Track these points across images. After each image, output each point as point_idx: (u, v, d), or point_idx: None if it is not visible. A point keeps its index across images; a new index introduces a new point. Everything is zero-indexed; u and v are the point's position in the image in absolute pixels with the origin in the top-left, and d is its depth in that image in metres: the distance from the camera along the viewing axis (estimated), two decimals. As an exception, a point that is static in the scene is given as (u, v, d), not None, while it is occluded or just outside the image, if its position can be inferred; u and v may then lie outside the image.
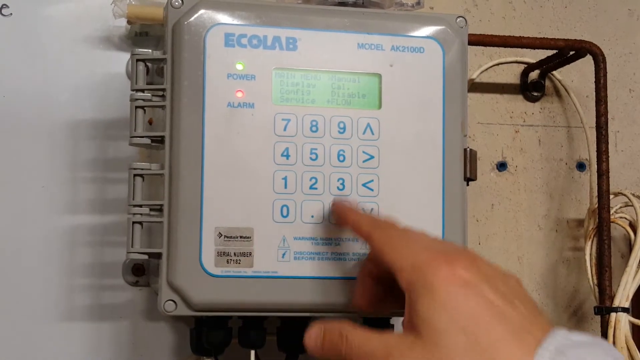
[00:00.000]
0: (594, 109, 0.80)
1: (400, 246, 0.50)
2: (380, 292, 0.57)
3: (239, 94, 0.59)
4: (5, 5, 0.76)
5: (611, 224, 0.79)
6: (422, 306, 0.46)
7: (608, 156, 0.79)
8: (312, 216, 0.60)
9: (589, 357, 0.43)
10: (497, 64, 0.86)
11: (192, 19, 0.59)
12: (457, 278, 0.46)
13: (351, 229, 0.58)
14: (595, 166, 0.79)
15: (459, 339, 0.45)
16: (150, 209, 0.60)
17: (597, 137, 0.79)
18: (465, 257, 0.48)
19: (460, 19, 0.64)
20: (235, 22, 0.60)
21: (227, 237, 0.58)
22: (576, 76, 0.89)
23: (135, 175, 0.61)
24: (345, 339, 0.50)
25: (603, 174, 0.78)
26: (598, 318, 0.78)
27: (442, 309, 0.45)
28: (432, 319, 0.46)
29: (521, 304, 0.47)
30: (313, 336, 0.52)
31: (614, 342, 0.75)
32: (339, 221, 0.60)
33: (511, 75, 0.88)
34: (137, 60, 0.62)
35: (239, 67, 0.60)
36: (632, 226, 0.81)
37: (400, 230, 0.53)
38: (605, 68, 0.80)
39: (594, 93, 0.80)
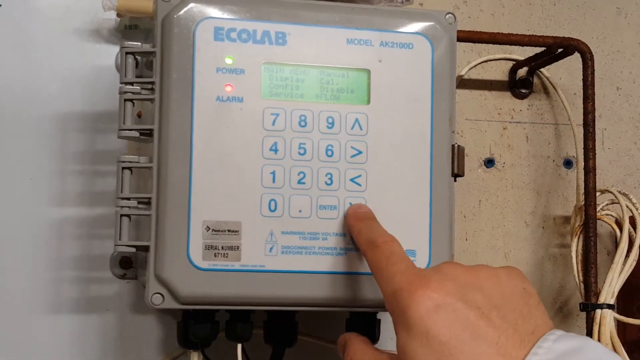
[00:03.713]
0: (582, 106, 0.80)
1: (385, 270, 0.51)
2: None
3: (228, 88, 0.60)
4: (-6, -3, 0.76)
5: (597, 221, 0.79)
6: (400, 337, 0.47)
7: (595, 153, 0.79)
8: (300, 210, 0.60)
9: None
10: (486, 61, 0.86)
11: (182, 12, 0.59)
12: (429, 303, 0.46)
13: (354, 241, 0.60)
14: (582, 163, 0.80)
15: None
16: (139, 202, 0.60)
17: (584, 135, 0.80)
18: (440, 274, 0.48)
19: (450, 15, 0.64)
20: (225, 16, 0.60)
21: (215, 230, 0.58)
22: (564, 74, 0.89)
23: (123, 168, 0.61)
24: (351, 353, 0.54)
25: (590, 171, 0.79)
26: (583, 314, 0.78)
27: (416, 340, 0.45)
28: (407, 349, 0.46)
29: (500, 314, 0.46)
30: (339, 343, 0.58)
31: (599, 339, 0.75)
32: (347, 228, 0.60)
33: (499, 72, 0.88)
34: (127, 53, 0.62)
35: (228, 61, 0.60)
36: (618, 223, 0.81)
37: (389, 252, 0.52)
38: (593, 66, 0.80)
39: (582, 90, 0.80)
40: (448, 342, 0.44)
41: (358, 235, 0.58)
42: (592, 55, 0.80)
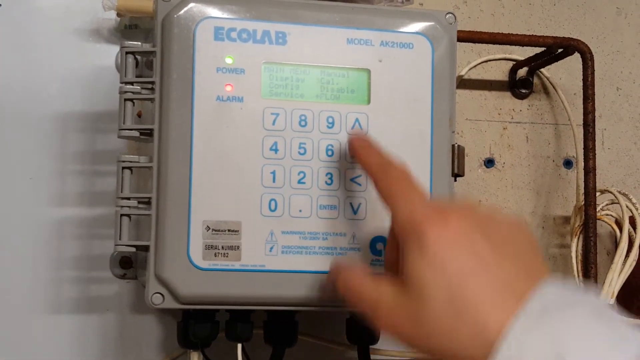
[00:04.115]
0: (582, 106, 0.80)
1: (401, 195, 0.51)
2: None
3: (228, 88, 0.60)
4: (-6, -3, 0.76)
5: (597, 221, 0.79)
6: (412, 260, 0.47)
7: (595, 154, 0.79)
8: (300, 210, 0.60)
9: (573, 314, 0.43)
10: (486, 61, 0.86)
11: (182, 12, 0.59)
12: (448, 232, 0.47)
13: (361, 167, 0.58)
14: (582, 163, 0.80)
15: (443, 296, 0.46)
16: (139, 202, 0.60)
17: (584, 135, 0.80)
18: (461, 209, 0.49)
19: (450, 15, 0.64)
20: (225, 15, 0.60)
21: (215, 230, 0.58)
22: (564, 74, 0.89)
23: (123, 167, 0.61)
24: (342, 278, 0.53)
25: (590, 172, 0.79)
26: (583, 314, 0.78)
27: (430, 268, 0.46)
28: (419, 273, 0.47)
29: (513, 255, 0.47)
30: (332, 268, 0.57)
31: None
32: (352, 155, 0.60)
33: (499, 72, 0.88)
34: (127, 52, 0.62)
35: (229, 61, 0.60)
36: (618, 223, 0.81)
37: (406, 181, 0.53)
38: (593, 66, 0.80)
39: (582, 91, 0.80)
40: (461, 272, 0.46)
41: (367, 160, 0.56)
42: (592, 56, 0.80)
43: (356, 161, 0.59)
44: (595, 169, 0.79)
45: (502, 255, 0.47)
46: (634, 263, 0.78)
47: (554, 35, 0.83)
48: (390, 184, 0.53)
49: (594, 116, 0.80)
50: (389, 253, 0.56)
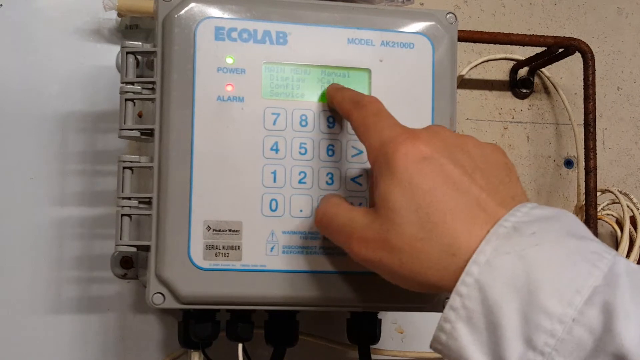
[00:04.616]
0: (582, 106, 0.80)
1: (372, 125, 0.51)
2: None
3: (229, 88, 0.60)
4: (-5, -3, 0.76)
5: (598, 221, 0.79)
6: (382, 184, 0.48)
7: (596, 153, 0.79)
8: (301, 210, 0.60)
9: (544, 233, 0.43)
10: (487, 61, 0.86)
11: (183, 12, 0.59)
12: (416, 153, 0.47)
13: (337, 110, 0.58)
14: (583, 163, 0.80)
15: (412, 217, 0.46)
16: (139, 202, 0.60)
17: (585, 135, 0.80)
18: (430, 132, 0.49)
19: (450, 15, 0.64)
20: (226, 15, 0.60)
21: (216, 230, 0.58)
22: (565, 74, 0.89)
23: (124, 167, 0.61)
24: (323, 208, 0.55)
25: (590, 171, 0.79)
26: (584, 314, 0.78)
27: (398, 187, 0.46)
28: (389, 197, 0.47)
29: (484, 176, 0.47)
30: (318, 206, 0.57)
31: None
32: (329, 104, 0.60)
33: (500, 72, 0.88)
34: (127, 52, 0.62)
35: (229, 60, 0.60)
36: (619, 223, 0.81)
37: (377, 109, 0.53)
38: (593, 66, 0.80)
39: (582, 90, 0.80)
40: (430, 191, 0.46)
41: (341, 99, 0.57)
42: (592, 55, 0.80)
43: (331, 105, 0.59)
44: (596, 169, 0.79)
45: (472, 177, 0.46)
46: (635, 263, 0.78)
47: (555, 35, 0.83)
48: (365, 118, 0.53)
49: (595, 116, 0.80)
50: (369, 194, 0.58)
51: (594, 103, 0.80)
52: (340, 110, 0.57)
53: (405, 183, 0.46)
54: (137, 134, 0.61)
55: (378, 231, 0.48)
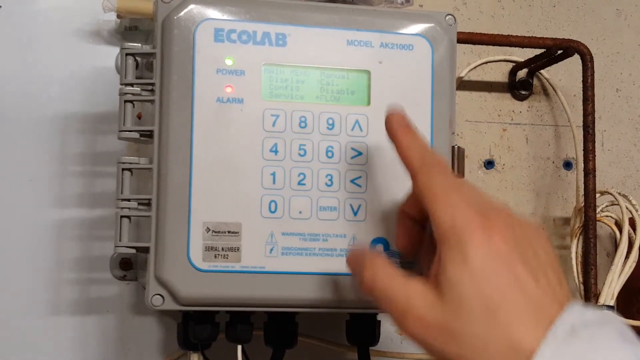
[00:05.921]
0: (581, 108, 0.80)
1: (442, 197, 0.49)
2: (419, 232, 0.57)
3: (228, 89, 0.60)
4: (-5, -1, 0.76)
5: (597, 222, 0.79)
6: (452, 269, 0.46)
7: (595, 155, 0.79)
8: (300, 212, 0.60)
9: (602, 340, 0.43)
10: (486, 62, 0.86)
11: (182, 13, 0.60)
12: (491, 247, 0.46)
13: (400, 156, 0.55)
14: (582, 165, 0.80)
15: (479, 311, 0.45)
16: (139, 203, 0.60)
17: (584, 136, 0.80)
18: (503, 222, 0.48)
19: (450, 16, 0.64)
20: (225, 17, 0.60)
21: (215, 232, 0.58)
22: (564, 75, 0.89)
23: (123, 169, 0.61)
24: (372, 274, 0.51)
25: (589, 173, 0.79)
26: (583, 316, 0.78)
27: (470, 279, 0.46)
28: (458, 284, 0.46)
29: (545, 276, 0.47)
30: (352, 259, 0.55)
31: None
32: (390, 138, 0.56)
33: (499, 74, 0.88)
34: (127, 54, 0.62)
35: (229, 62, 0.60)
36: (618, 225, 0.81)
37: (446, 178, 0.51)
38: (592, 67, 0.80)
39: (581, 92, 0.80)
40: (499, 290, 0.45)
41: (407, 150, 0.54)
42: (591, 57, 0.80)
43: (392, 141, 0.56)
44: (595, 171, 0.79)
45: (536, 277, 0.46)
46: (634, 264, 0.78)
47: (554, 36, 0.83)
48: (431, 181, 0.51)
49: (594, 118, 0.80)
50: (402, 237, 0.57)
51: (593, 105, 0.80)
52: (403, 160, 0.54)
53: (478, 277, 0.45)
54: (137, 135, 0.61)
55: (440, 316, 0.46)
